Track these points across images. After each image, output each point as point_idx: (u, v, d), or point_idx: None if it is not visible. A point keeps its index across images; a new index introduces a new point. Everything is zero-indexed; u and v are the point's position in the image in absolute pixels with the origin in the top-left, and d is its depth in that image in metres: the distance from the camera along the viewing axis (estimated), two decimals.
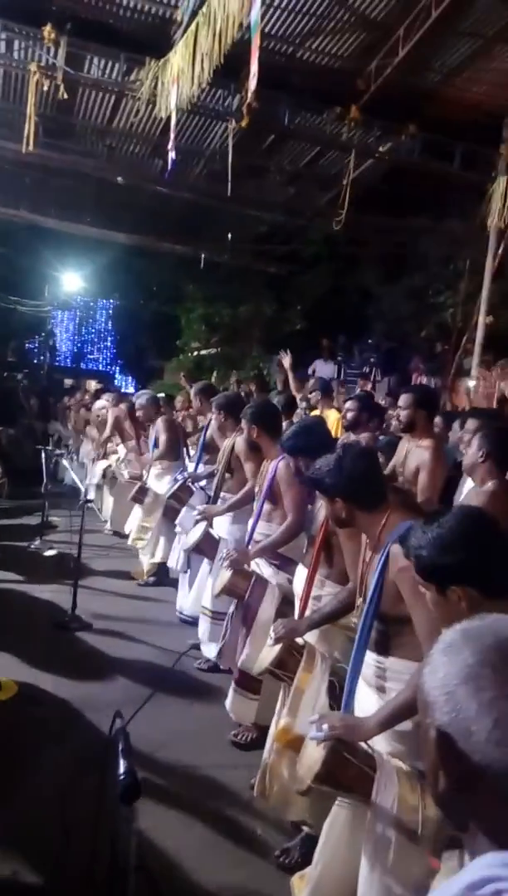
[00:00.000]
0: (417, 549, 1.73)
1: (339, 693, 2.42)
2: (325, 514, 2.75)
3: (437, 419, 5.58)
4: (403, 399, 4.18)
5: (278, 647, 2.74)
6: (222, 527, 4.46)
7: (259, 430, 3.87)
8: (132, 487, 6.32)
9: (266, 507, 3.80)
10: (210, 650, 4.22)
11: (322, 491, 2.48)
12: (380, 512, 2.32)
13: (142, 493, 6.11)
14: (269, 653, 2.82)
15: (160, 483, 6.14)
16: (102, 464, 8.27)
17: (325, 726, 1.97)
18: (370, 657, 2.31)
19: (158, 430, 6.36)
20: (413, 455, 4.01)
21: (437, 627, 2.03)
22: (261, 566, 3.64)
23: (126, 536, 6.92)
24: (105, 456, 8.35)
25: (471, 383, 9.52)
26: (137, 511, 6.33)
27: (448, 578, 1.66)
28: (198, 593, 4.63)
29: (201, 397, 5.76)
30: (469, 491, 3.61)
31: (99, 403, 8.96)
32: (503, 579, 1.64)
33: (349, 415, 5.03)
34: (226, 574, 3.42)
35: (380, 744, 2.08)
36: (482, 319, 9.87)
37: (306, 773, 1.98)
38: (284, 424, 5.70)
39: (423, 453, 3.92)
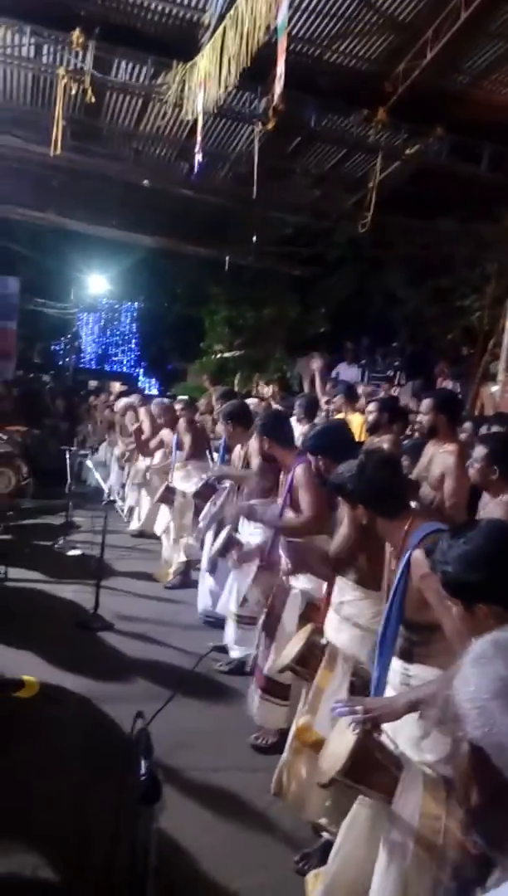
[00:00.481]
0: (443, 564, 1.71)
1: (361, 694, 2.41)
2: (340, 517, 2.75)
3: (466, 425, 5.52)
4: (423, 404, 4.17)
5: (300, 644, 2.75)
6: (248, 531, 4.45)
7: (271, 442, 3.88)
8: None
9: (288, 514, 3.78)
10: (235, 653, 4.23)
11: (344, 496, 2.49)
12: (401, 519, 2.33)
13: (170, 493, 6.13)
14: (291, 650, 2.82)
15: (188, 483, 6.15)
16: (143, 463, 8.25)
17: (359, 708, 1.94)
18: (397, 664, 2.31)
19: (180, 431, 6.37)
20: (437, 460, 3.96)
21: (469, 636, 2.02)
22: (300, 578, 3.55)
23: (152, 537, 6.95)
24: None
25: (494, 388, 9.41)
26: (165, 512, 6.33)
27: (475, 595, 1.64)
28: (226, 596, 4.62)
29: (222, 402, 5.82)
30: (488, 502, 3.57)
31: (122, 402, 8.94)
32: None
33: (370, 417, 5.01)
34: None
35: (409, 750, 2.06)
36: None
37: (330, 766, 1.96)
38: (306, 427, 5.73)
39: (447, 458, 3.86)
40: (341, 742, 1.95)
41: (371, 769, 1.90)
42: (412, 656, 2.26)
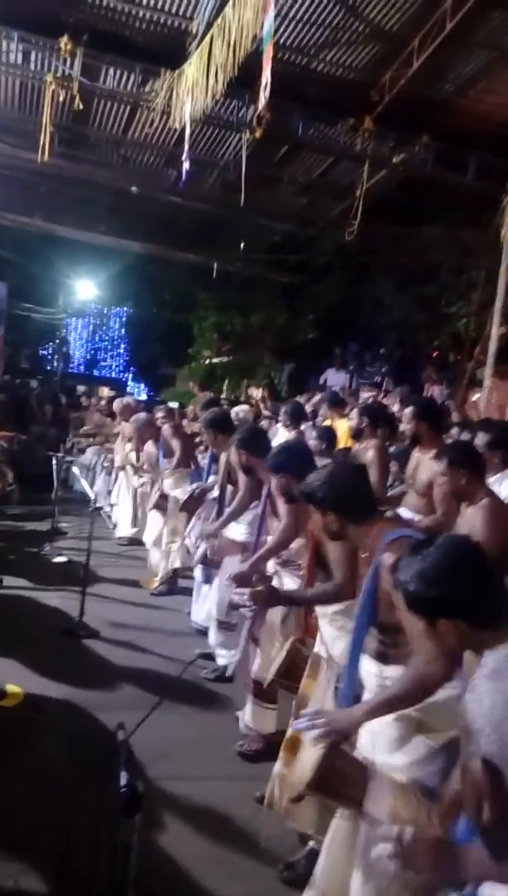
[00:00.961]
0: (404, 582, 1.72)
1: None
2: (312, 526, 2.79)
3: (453, 431, 5.55)
4: (405, 413, 4.21)
5: (282, 657, 2.76)
6: (232, 530, 4.46)
7: (248, 455, 4.03)
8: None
9: (270, 522, 3.82)
10: (221, 659, 4.23)
11: (314, 504, 2.54)
12: (369, 524, 2.41)
13: (163, 500, 6.12)
14: (275, 663, 2.83)
15: (179, 490, 6.15)
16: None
17: (319, 721, 1.99)
18: (373, 666, 2.35)
19: (166, 438, 6.36)
20: (423, 467, 3.99)
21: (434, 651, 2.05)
22: (284, 579, 3.61)
23: (139, 543, 6.94)
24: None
25: (477, 395, 9.48)
26: (156, 518, 6.30)
27: (436, 612, 1.65)
28: (210, 604, 4.63)
29: (205, 410, 5.83)
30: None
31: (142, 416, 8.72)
32: (490, 610, 1.61)
33: (352, 424, 5.05)
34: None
35: (385, 754, 2.06)
36: (495, 330, 9.82)
37: (298, 780, 1.98)
38: (293, 434, 5.75)
39: (433, 465, 3.88)
40: (309, 755, 1.96)
41: (339, 780, 1.91)
42: (387, 658, 2.31)
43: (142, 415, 7.35)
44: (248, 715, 3.52)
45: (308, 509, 3.11)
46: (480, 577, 1.67)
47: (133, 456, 7.56)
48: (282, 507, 3.65)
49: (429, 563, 1.68)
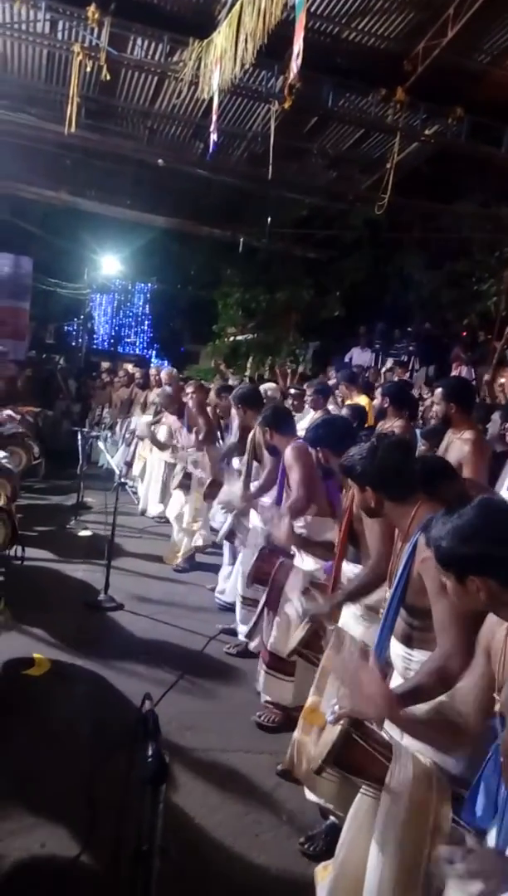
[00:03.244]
0: (437, 539, 1.74)
1: None
2: (348, 501, 2.74)
3: (495, 416, 5.48)
4: (435, 394, 4.16)
5: (304, 629, 2.76)
6: (255, 516, 4.47)
7: (272, 432, 4.07)
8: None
9: (286, 497, 3.84)
10: (243, 634, 4.26)
11: (354, 479, 2.48)
12: (410, 504, 2.34)
13: (187, 479, 6.13)
14: (296, 634, 2.83)
15: (201, 470, 6.16)
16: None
17: (336, 706, 1.97)
18: (400, 648, 2.35)
19: (192, 414, 6.35)
20: (454, 448, 3.95)
21: (453, 622, 2.03)
22: (304, 558, 3.62)
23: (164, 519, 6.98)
24: None
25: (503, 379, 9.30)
26: (179, 496, 6.31)
27: (467, 569, 1.67)
28: (234, 580, 4.66)
29: (224, 395, 5.84)
30: None
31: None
32: None
33: (376, 403, 5.02)
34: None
35: (407, 738, 2.06)
36: None
37: (318, 754, 1.99)
38: (320, 414, 5.74)
39: (463, 447, 3.84)
40: (331, 731, 1.97)
41: (359, 758, 1.91)
42: (412, 641, 2.30)
43: (168, 388, 7.33)
44: (262, 685, 3.57)
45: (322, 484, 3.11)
46: None
47: (162, 430, 7.57)
48: (294, 478, 3.75)
49: (465, 521, 1.69)
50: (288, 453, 3.85)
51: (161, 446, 7.40)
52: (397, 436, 3.82)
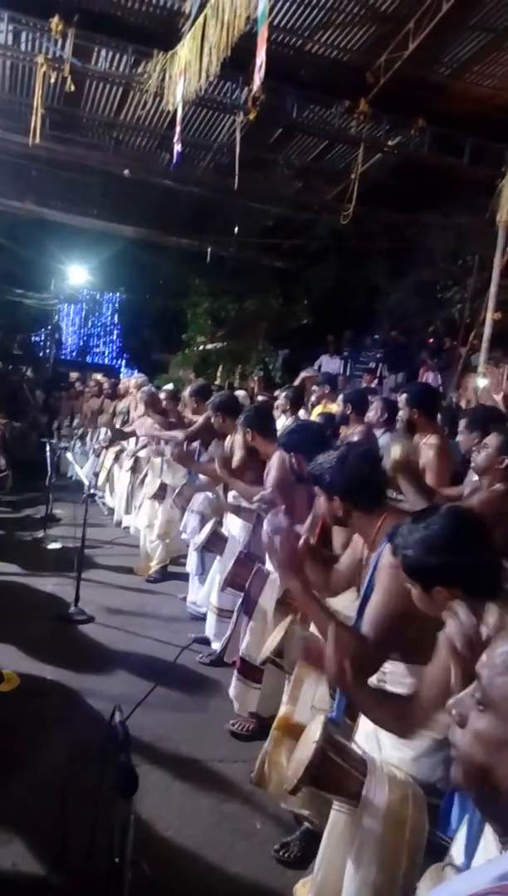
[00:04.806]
0: (403, 548, 1.76)
1: None
2: (320, 508, 2.75)
3: (462, 423, 5.55)
4: (399, 400, 4.20)
5: (278, 637, 2.76)
6: (232, 525, 4.46)
7: (254, 434, 3.99)
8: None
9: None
10: (217, 645, 4.25)
11: (322, 487, 2.47)
12: (376, 514, 2.34)
13: (162, 490, 6.10)
14: (271, 641, 2.83)
15: (175, 477, 6.14)
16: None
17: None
18: None
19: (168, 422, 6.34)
20: (418, 453, 3.98)
21: (382, 616, 2.06)
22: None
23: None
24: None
25: (481, 381, 9.46)
26: (151, 505, 6.26)
27: (433, 579, 1.70)
28: (208, 589, 4.65)
29: (196, 399, 5.81)
30: (474, 485, 3.58)
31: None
32: (486, 580, 1.67)
33: (337, 410, 5.06)
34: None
35: (389, 748, 2.06)
36: (490, 316, 9.83)
37: (293, 774, 1.98)
38: (291, 420, 5.76)
39: (427, 452, 3.88)
40: (305, 749, 1.97)
41: (335, 774, 1.91)
42: None
43: (151, 387, 7.32)
44: (232, 691, 3.56)
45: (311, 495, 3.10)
46: (479, 548, 1.72)
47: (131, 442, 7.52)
48: (270, 478, 3.73)
49: (431, 531, 1.72)
50: (274, 459, 3.77)
51: (122, 435, 7.33)
52: (365, 446, 3.87)
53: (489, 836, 1.42)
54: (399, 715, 1.88)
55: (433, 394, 4.72)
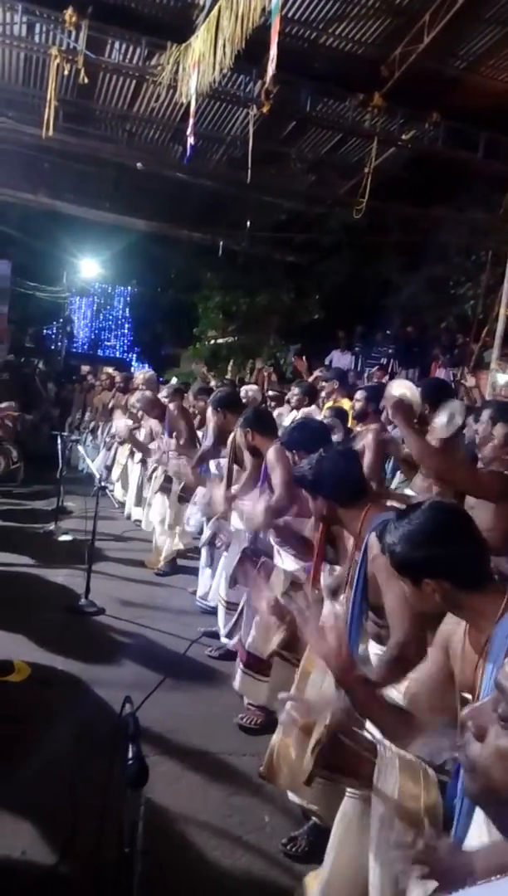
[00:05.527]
0: (391, 545, 1.79)
1: None
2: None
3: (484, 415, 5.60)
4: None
5: (284, 628, 2.77)
6: (237, 519, 4.46)
7: (254, 433, 4.03)
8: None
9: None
10: (225, 637, 4.26)
11: (306, 489, 2.61)
12: (359, 508, 2.45)
13: (168, 483, 6.12)
14: (276, 634, 2.85)
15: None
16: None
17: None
18: (375, 648, 2.40)
19: (172, 418, 6.34)
20: (359, 437, 4.31)
21: (404, 611, 2.09)
22: (285, 559, 3.63)
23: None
24: None
25: (501, 377, 9.38)
26: (161, 499, 6.28)
27: (421, 572, 1.71)
28: (217, 583, 4.66)
29: (202, 398, 5.83)
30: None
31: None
32: (474, 572, 1.69)
33: (357, 405, 5.05)
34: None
35: None
36: (503, 312, 9.73)
37: (306, 764, 1.99)
38: (311, 410, 5.77)
39: (367, 435, 4.40)
40: (315, 737, 1.97)
41: (348, 758, 1.92)
42: (384, 639, 2.34)
43: (148, 392, 7.30)
44: (238, 684, 3.57)
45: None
46: (464, 539, 1.74)
47: (142, 433, 7.53)
48: (275, 478, 3.74)
49: (415, 526, 1.74)
50: (271, 454, 3.85)
51: (142, 448, 7.37)
52: (342, 445, 3.97)
53: (479, 818, 1.42)
54: (397, 721, 1.89)
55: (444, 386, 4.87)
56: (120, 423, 7.63)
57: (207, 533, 4.58)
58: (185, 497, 5.52)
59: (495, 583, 1.73)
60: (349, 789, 2.02)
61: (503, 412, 3.71)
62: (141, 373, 9.00)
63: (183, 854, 2.56)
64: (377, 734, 2.08)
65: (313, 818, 2.61)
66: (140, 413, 7.40)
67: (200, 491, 5.11)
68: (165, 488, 6.16)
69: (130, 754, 1.64)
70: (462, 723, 0.96)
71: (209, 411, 5.13)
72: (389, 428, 4.75)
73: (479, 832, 1.39)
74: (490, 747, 0.90)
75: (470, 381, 9.13)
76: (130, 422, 7.69)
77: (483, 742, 0.91)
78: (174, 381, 8.35)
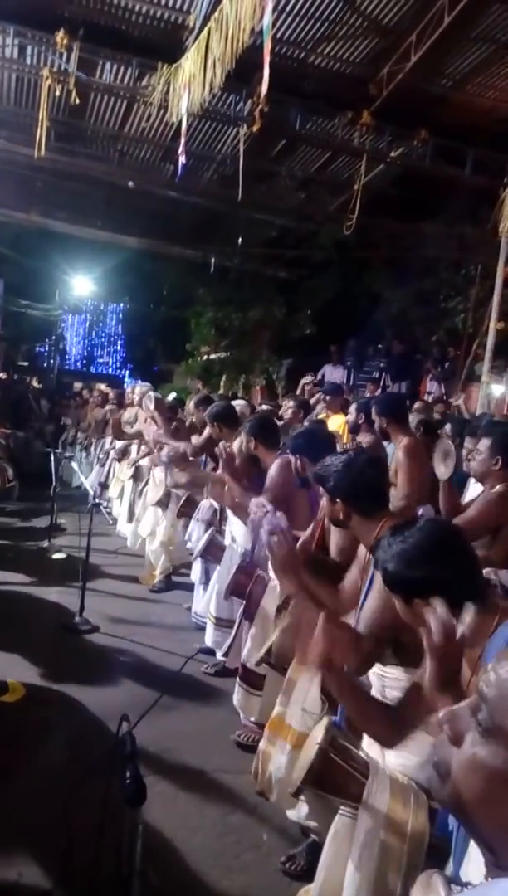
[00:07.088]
0: (384, 562, 1.77)
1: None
2: (321, 513, 2.79)
3: (447, 427, 5.58)
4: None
5: (275, 636, 2.77)
6: (236, 529, 4.46)
7: (257, 442, 4.02)
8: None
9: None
10: (221, 654, 4.23)
11: (326, 489, 2.51)
12: (376, 520, 2.38)
13: (167, 497, 6.10)
14: (266, 642, 2.84)
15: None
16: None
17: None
18: (375, 666, 2.34)
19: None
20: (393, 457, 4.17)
21: (378, 621, 2.11)
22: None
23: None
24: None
25: (497, 388, 9.43)
26: (155, 514, 6.26)
27: (413, 591, 1.70)
28: (208, 599, 4.64)
29: (199, 408, 5.84)
30: (477, 493, 3.62)
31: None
32: (466, 592, 1.66)
33: (350, 419, 5.10)
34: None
35: (391, 755, 2.06)
36: (493, 325, 9.82)
37: (297, 776, 1.99)
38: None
39: (398, 453, 4.04)
40: (308, 751, 1.97)
41: (337, 776, 1.92)
42: (385, 657, 2.29)
43: (157, 394, 7.31)
44: (236, 699, 3.55)
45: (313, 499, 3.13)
46: (459, 560, 1.72)
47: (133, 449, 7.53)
48: (269, 482, 3.73)
49: (410, 545, 1.73)
50: (274, 466, 3.79)
51: (127, 436, 7.33)
52: (373, 452, 3.92)
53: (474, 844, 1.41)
54: (386, 720, 1.87)
55: (398, 400, 5.07)
56: (148, 428, 7.50)
57: (201, 545, 4.57)
58: (185, 512, 5.48)
59: (488, 599, 1.72)
60: (341, 807, 2.01)
61: (491, 427, 3.78)
62: (137, 387, 9.00)
63: (180, 873, 2.53)
64: (372, 753, 2.07)
65: (312, 835, 2.59)
66: (138, 424, 7.40)
67: (203, 505, 5.11)
68: (162, 503, 6.14)
69: (128, 773, 1.63)
70: (439, 724, 0.92)
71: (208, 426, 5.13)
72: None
73: (478, 863, 1.38)
74: (466, 755, 0.86)
75: (457, 399, 9.21)
76: (154, 426, 7.62)
77: (459, 747, 0.87)
78: (173, 395, 8.33)
